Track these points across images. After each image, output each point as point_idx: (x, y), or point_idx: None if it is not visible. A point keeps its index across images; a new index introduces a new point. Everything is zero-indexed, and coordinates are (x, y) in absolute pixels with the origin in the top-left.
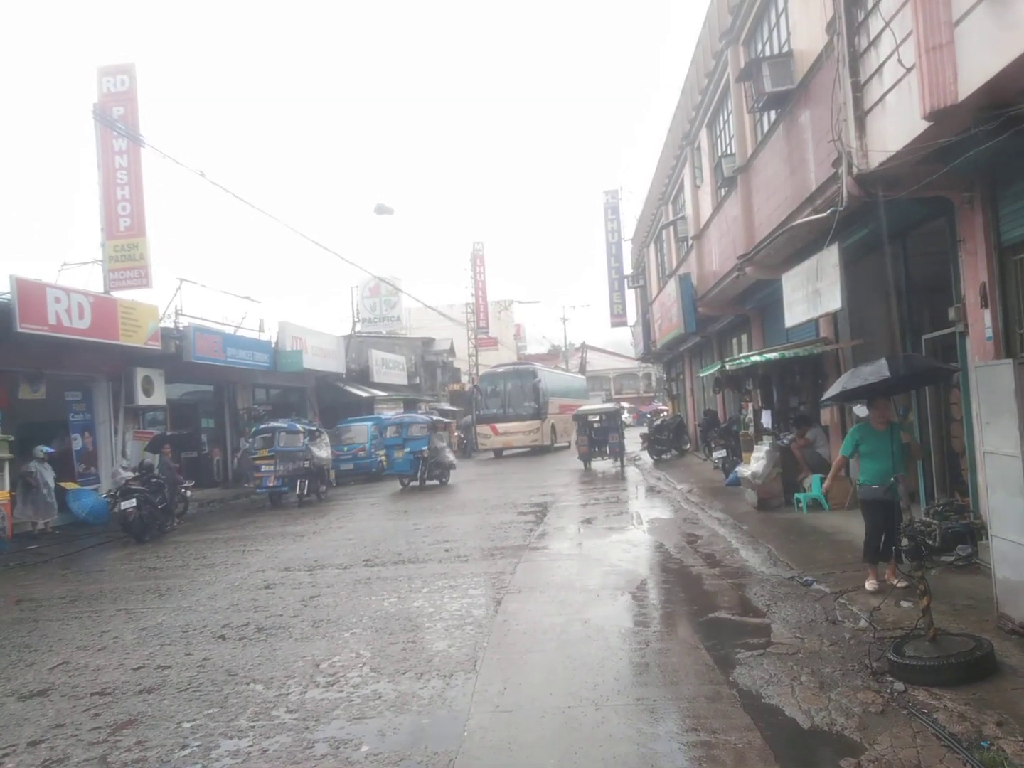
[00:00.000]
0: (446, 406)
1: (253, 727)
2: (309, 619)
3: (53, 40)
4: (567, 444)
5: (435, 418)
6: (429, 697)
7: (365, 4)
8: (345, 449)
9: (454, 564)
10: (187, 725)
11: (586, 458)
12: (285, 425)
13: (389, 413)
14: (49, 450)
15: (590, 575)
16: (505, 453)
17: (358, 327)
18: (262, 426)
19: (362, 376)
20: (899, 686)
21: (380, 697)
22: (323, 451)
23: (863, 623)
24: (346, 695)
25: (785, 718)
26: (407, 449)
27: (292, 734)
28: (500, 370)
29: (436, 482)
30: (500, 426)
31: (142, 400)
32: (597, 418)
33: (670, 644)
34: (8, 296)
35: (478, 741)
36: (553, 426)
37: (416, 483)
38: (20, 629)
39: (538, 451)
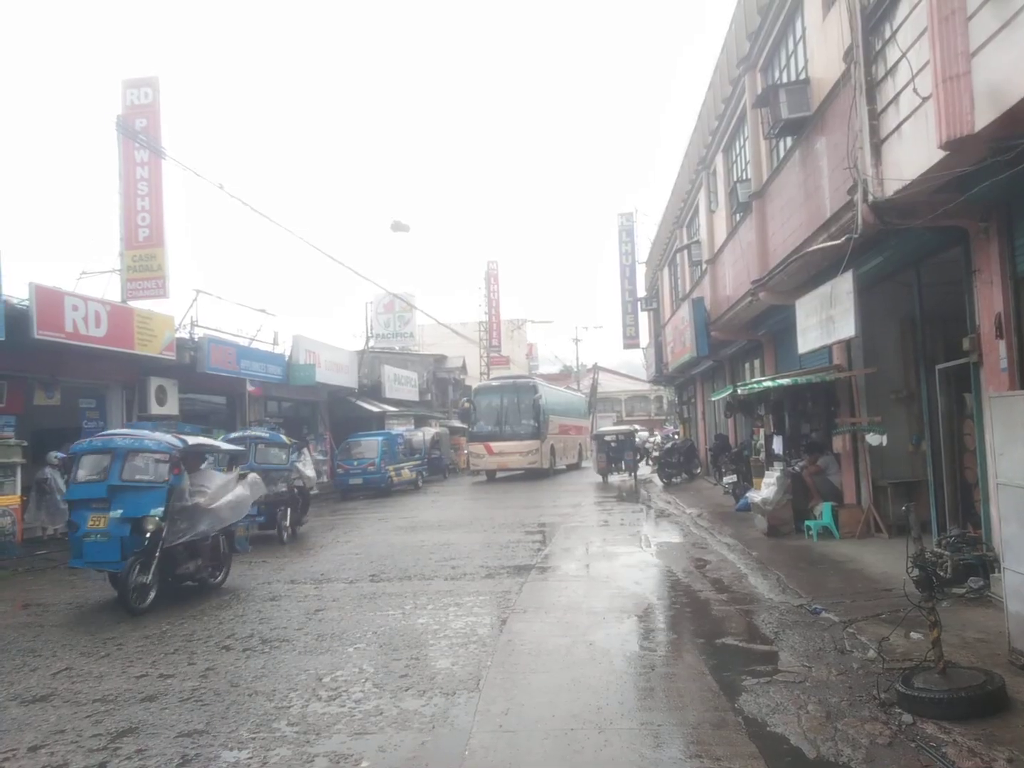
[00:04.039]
0: (456, 423)
1: (254, 739)
2: (313, 632)
3: (79, 51)
4: (565, 467)
5: (194, 441)
6: (431, 715)
7: (386, 24)
8: (355, 463)
9: (460, 582)
10: (188, 735)
11: (604, 472)
12: (266, 435)
13: (401, 428)
14: (62, 456)
15: (596, 597)
16: (499, 476)
17: (371, 342)
18: (232, 435)
19: (374, 391)
20: (907, 718)
21: (382, 713)
22: (309, 469)
23: (872, 653)
24: (348, 710)
25: (790, 747)
26: (117, 512)
27: (292, 747)
28: (496, 383)
29: (191, 582)
30: (495, 445)
31: (155, 409)
32: (613, 438)
33: (676, 669)
34: (27, 303)
35: (479, 760)
36: (552, 447)
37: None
38: (26, 633)
39: (535, 475)
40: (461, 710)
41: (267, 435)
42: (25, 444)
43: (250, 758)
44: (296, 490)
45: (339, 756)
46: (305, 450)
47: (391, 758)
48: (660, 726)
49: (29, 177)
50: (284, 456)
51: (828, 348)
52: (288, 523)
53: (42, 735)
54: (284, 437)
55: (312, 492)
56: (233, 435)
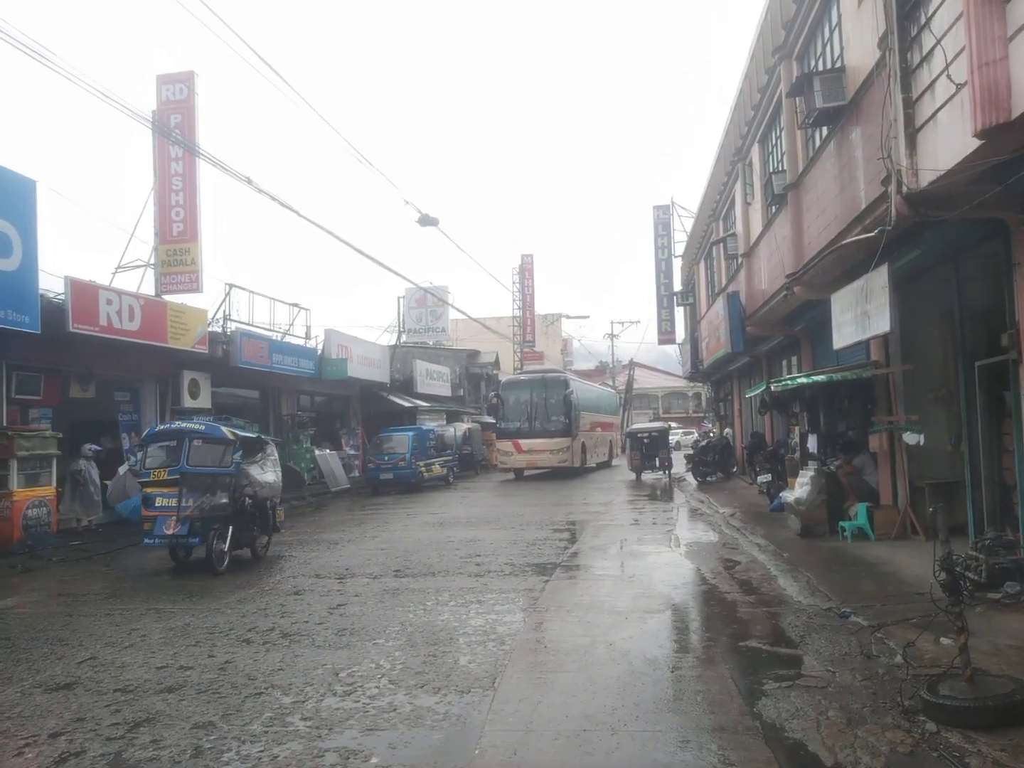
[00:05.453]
0: (489, 419)
1: (266, 732)
2: (334, 627)
3: (117, 44)
4: (595, 466)
5: None
6: (444, 712)
7: (417, 18)
8: (386, 458)
9: (483, 579)
10: (202, 727)
11: (638, 470)
12: (201, 427)
13: (432, 424)
14: (97, 448)
15: (620, 597)
16: (528, 473)
17: (403, 337)
18: (160, 427)
19: (406, 386)
20: (931, 726)
21: (395, 709)
22: (269, 474)
23: (899, 659)
24: (361, 705)
25: (807, 753)
26: None
27: (304, 742)
28: (525, 377)
29: None
30: (524, 442)
31: (188, 403)
32: (647, 435)
33: (695, 671)
34: (62, 297)
35: (489, 760)
36: (584, 445)
37: None
38: (55, 623)
39: (566, 473)
40: (475, 708)
41: (203, 428)
42: (61, 436)
43: (261, 752)
44: (247, 500)
45: (349, 752)
46: (271, 448)
47: (401, 755)
48: (675, 729)
49: (67, 167)
50: (227, 456)
51: (865, 344)
52: (227, 547)
53: (63, 722)
54: (226, 430)
55: (342, 488)
56: (159, 427)
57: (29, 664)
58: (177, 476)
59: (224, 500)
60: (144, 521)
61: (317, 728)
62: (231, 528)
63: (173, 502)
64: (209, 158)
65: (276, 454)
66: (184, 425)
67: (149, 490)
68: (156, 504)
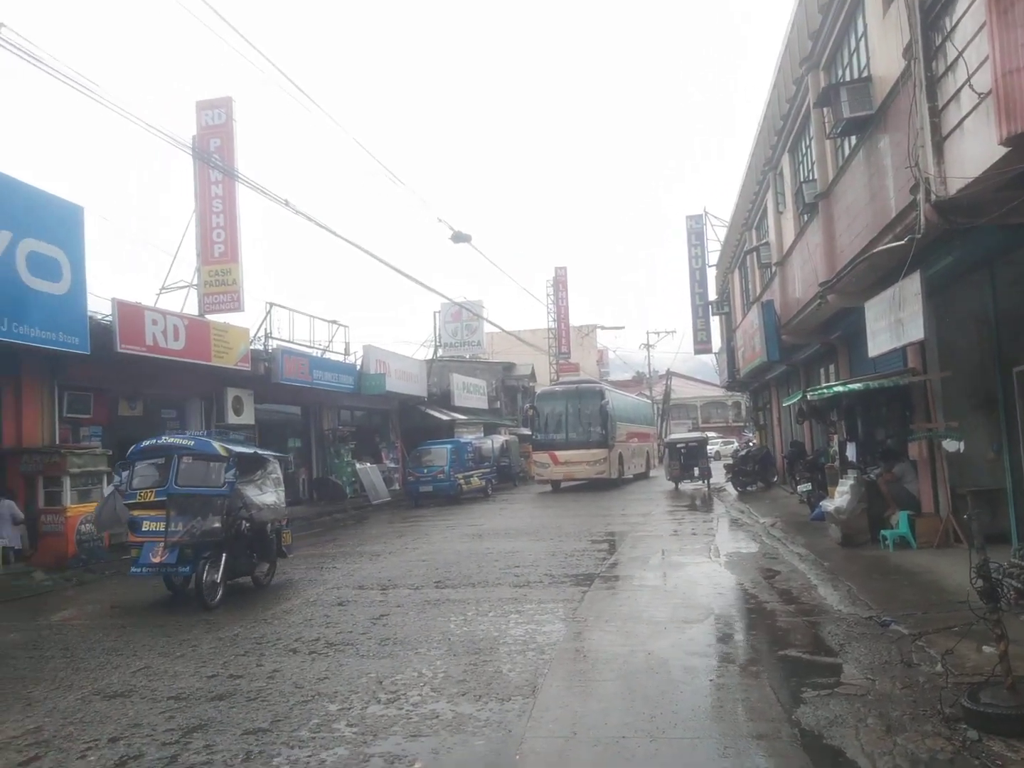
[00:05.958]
0: (526, 431)
1: (314, 738)
2: (377, 637)
3: (160, 73)
4: (632, 477)
5: None
6: (486, 719)
7: (450, 36)
8: (425, 471)
9: (523, 589)
10: (252, 733)
11: (676, 479)
12: (190, 443)
13: (470, 436)
14: None
15: (659, 607)
16: (564, 485)
17: (440, 351)
18: (146, 443)
19: (443, 400)
20: (973, 734)
21: (438, 716)
22: (268, 495)
23: (939, 667)
24: (405, 712)
25: (845, 760)
26: None
27: (350, 747)
28: (560, 389)
29: None
30: (561, 454)
31: (232, 419)
32: (685, 445)
33: (734, 679)
34: (110, 318)
35: (530, 765)
36: (620, 455)
37: None
38: (110, 634)
39: (603, 484)
40: (515, 715)
41: (192, 443)
42: (111, 453)
43: (309, 756)
44: (243, 524)
45: (394, 757)
46: (272, 465)
47: (444, 760)
48: (713, 737)
49: (111, 192)
50: (220, 475)
51: (902, 351)
52: (219, 577)
53: (121, 728)
54: (218, 446)
55: (383, 501)
56: (145, 443)
57: (87, 673)
58: (164, 498)
59: (216, 524)
60: (131, 548)
61: (362, 734)
62: (224, 555)
63: (160, 526)
64: (247, 181)
65: (279, 472)
66: (172, 440)
67: (136, 513)
68: (143, 529)
